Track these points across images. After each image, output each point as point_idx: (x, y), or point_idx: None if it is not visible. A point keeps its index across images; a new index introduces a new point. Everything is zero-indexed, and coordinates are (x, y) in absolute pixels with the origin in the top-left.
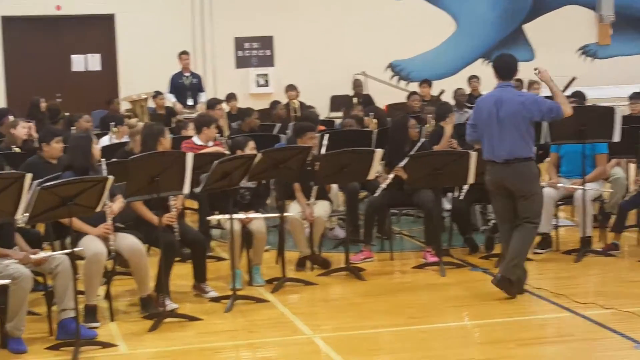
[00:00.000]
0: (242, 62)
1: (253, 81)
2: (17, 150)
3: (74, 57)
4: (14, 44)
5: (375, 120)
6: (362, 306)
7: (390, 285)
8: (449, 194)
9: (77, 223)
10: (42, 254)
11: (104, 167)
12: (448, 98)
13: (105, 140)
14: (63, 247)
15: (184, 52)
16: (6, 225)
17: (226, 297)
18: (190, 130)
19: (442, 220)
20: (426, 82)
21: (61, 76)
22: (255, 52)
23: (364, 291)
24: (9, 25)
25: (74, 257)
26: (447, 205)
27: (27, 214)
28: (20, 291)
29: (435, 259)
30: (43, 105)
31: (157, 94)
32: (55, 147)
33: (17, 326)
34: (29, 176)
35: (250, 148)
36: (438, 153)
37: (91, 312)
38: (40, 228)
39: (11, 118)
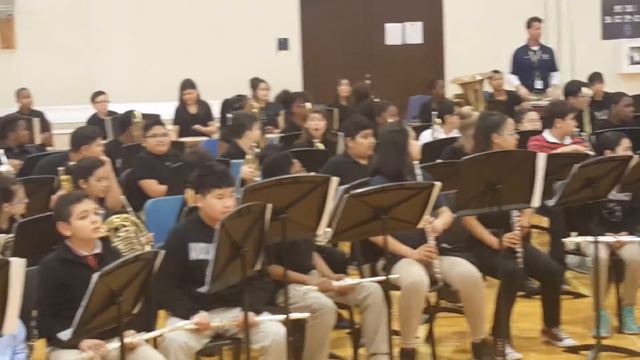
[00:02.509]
0: (610, 32)
1: (625, 57)
2: (320, 146)
3: (388, 26)
4: (312, 9)
5: None
6: None
7: None
8: None
9: (393, 242)
10: (347, 281)
11: (418, 171)
12: None
13: (426, 136)
14: (374, 273)
15: (536, 19)
16: (303, 244)
17: (587, 347)
18: (527, 122)
19: None
20: None
21: (371, 51)
22: (629, 17)
23: None
24: None
25: (388, 287)
26: None
27: (330, 229)
28: (320, 327)
29: None
30: (344, 88)
31: (494, 74)
32: (361, 143)
33: None
34: (334, 180)
35: (623, 147)
36: None
37: (409, 358)
38: (345, 247)
39: (307, 105)
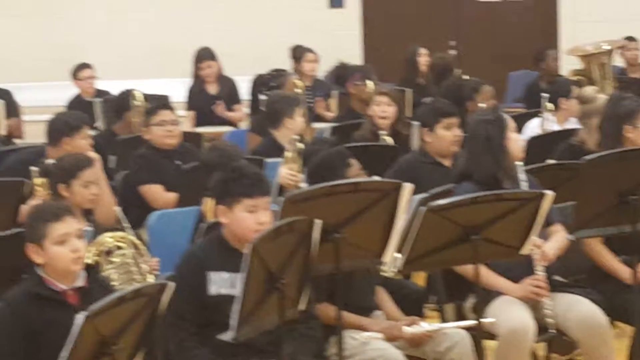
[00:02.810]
0: None
1: None
2: (388, 140)
3: None
4: None
5: None
6: None
7: None
8: None
9: (487, 274)
10: (424, 326)
11: (522, 175)
12: None
13: (533, 127)
14: (460, 316)
15: None
16: (364, 275)
17: None
18: None
19: None
20: None
21: (458, 9)
22: None
23: None
24: None
25: (479, 334)
26: None
27: (401, 255)
28: None
29: None
30: (423, 59)
31: (628, 42)
32: (442, 137)
33: None
34: (407, 187)
35: None
36: None
37: None
38: (420, 280)
39: (369, 85)
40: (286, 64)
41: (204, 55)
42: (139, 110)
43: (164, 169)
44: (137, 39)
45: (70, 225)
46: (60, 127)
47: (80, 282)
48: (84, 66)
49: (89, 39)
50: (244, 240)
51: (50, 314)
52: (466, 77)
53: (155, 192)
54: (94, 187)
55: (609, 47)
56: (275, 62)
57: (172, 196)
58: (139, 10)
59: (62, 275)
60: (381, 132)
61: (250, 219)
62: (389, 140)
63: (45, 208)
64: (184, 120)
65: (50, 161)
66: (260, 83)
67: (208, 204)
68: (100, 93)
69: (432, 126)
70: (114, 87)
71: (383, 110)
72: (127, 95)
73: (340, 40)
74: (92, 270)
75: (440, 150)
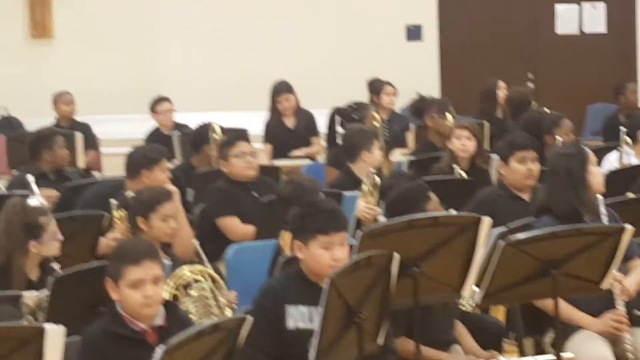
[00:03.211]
0: None
1: None
2: (461, 174)
3: (559, 8)
4: None
5: None
6: None
7: None
8: None
9: (566, 308)
10: None
11: (602, 209)
12: None
13: (612, 160)
14: (539, 350)
15: None
16: (442, 309)
17: None
18: None
19: None
20: None
21: (535, 43)
22: None
23: None
24: None
25: None
26: None
27: (479, 289)
28: None
29: None
30: (502, 93)
31: None
32: (516, 170)
33: None
34: (486, 221)
35: None
36: None
37: None
38: (499, 314)
39: (449, 118)
40: (363, 96)
41: (282, 88)
42: (217, 144)
43: (242, 201)
44: (214, 72)
45: (146, 271)
46: (139, 160)
47: (159, 320)
48: (163, 99)
49: (167, 72)
50: (321, 275)
51: (129, 354)
52: (546, 110)
53: (232, 224)
54: (172, 221)
55: None
56: (352, 94)
57: (250, 229)
58: (216, 44)
59: (136, 315)
60: (454, 165)
61: (325, 256)
62: (462, 174)
63: (127, 248)
64: (261, 152)
65: (129, 194)
66: (341, 116)
67: (285, 238)
68: (178, 126)
69: (507, 159)
70: (192, 120)
71: (463, 144)
72: (205, 128)
73: (418, 73)
74: (171, 306)
75: (515, 184)
